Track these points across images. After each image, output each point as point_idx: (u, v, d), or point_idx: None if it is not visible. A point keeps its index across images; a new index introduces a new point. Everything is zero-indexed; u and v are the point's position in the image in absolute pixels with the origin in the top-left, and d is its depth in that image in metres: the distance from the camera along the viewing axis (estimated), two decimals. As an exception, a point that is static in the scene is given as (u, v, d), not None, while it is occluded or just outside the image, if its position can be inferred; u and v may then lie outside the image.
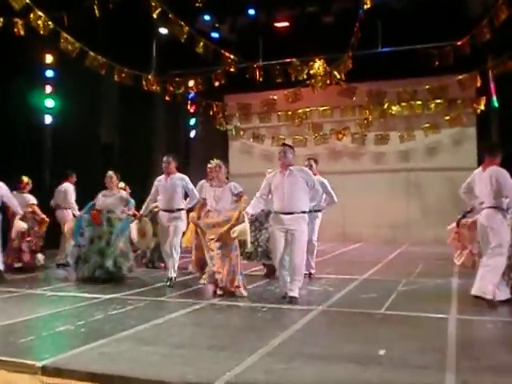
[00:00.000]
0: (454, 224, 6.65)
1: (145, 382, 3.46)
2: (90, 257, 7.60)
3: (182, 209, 7.39)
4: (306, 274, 7.27)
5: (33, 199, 8.95)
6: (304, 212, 6.05)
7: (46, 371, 3.69)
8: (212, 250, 6.42)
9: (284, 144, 6.81)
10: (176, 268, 7.25)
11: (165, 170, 7.38)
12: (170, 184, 7.29)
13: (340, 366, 3.71)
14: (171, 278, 7.14)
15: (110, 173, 7.99)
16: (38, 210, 8.93)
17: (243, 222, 6.14)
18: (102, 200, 7.90)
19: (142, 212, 7.58)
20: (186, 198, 7.65)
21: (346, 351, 4.07)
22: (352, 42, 10.77)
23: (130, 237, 7.79)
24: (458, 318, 5.13)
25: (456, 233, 6.66)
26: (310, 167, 7.56)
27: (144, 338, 4.51)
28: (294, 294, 5.95)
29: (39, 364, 3.74)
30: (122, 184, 8.97)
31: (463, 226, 6.56)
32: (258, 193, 6.28)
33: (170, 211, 7.25)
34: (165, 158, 7.41)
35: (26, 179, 8.97)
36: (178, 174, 7.40)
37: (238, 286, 6.34)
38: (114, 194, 7.95)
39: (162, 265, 8.43)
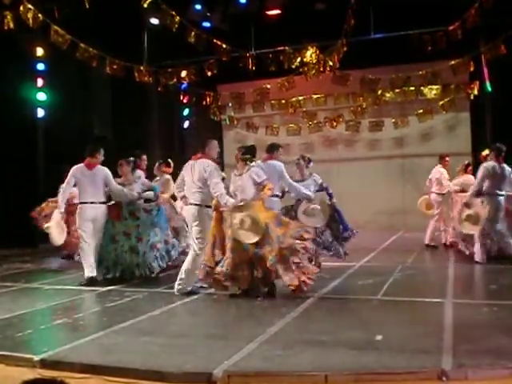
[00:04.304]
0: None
1: (144, 372, 3.48)
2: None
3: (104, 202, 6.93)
4: None
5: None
6: None
7: (44, 364, 3.71)
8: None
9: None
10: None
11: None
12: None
13: (337, 352, 3.73)
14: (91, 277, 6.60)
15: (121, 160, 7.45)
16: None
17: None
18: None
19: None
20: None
21: (343, 337, 4.09)
22: (345, 29, 10.70)
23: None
24: (453, 303, 5.16)
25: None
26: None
27: (142, 329, 4.53)
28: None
29: (37, 357, 3.76)
30: None
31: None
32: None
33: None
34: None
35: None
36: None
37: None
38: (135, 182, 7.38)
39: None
